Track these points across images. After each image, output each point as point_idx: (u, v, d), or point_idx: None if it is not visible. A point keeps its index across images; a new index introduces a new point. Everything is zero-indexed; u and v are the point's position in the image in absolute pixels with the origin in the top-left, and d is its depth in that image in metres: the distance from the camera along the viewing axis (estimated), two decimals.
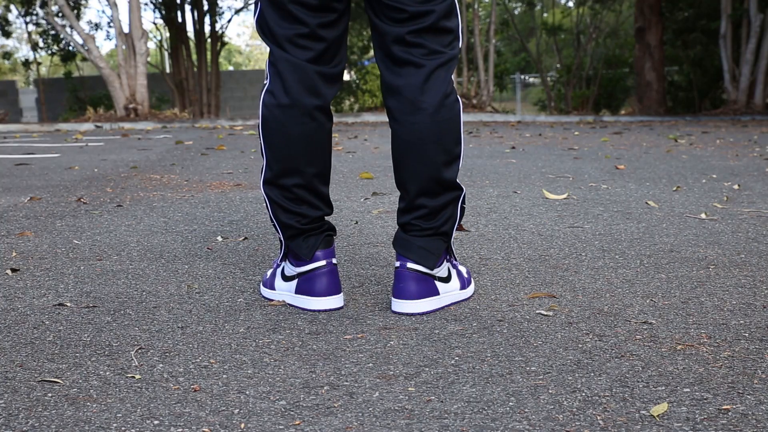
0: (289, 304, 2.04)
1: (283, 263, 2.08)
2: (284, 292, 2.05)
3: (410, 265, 1.93)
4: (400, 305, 1.94)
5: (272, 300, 2.08)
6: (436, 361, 1.61)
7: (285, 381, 1.52)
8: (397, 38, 1.86)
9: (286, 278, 2.05)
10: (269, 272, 2.15)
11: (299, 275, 2.00)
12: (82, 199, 3.99)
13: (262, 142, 1.94)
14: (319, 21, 1.86)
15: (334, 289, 1.98)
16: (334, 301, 1.98)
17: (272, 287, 2.09)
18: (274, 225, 2.03)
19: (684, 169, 5.20)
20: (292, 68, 1.87)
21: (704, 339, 1.72)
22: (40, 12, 19.16)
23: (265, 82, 1.94)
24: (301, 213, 1.95)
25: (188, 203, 3.86)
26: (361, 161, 6.08)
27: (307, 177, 1.93)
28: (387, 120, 12.46)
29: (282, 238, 2.03)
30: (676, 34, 17.79)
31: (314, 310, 1.97)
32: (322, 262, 1.97)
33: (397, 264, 1.95)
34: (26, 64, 22.28)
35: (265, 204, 2.02)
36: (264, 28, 1.91)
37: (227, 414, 1.37)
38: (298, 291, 2.00)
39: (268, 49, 1.95)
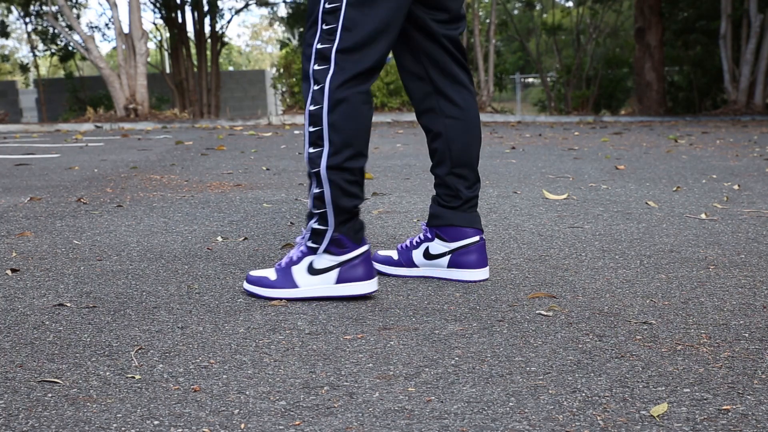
0: (323, 297, 2.05)
1: (310, 258, 2.07)
2: (318, 285, 2.06)
3: (483, 236, 2.29)
4: (485, 272, 2.27)
5: (277, 299, 2.07)
6: (436, 362, 1.61)
7: (285, 381, 1.52)
8: (452, 39, 2.19)
9: (318, 271, 2.05)
10: (272, 274, 2.11)
11: (343, 263, 2.04)
12: (82, 200, 3.99)
13: (328, 126, 1.98)
14: None
15: (373, 272, 2.09)
16: (376, 283, 2.10)
17: (293, 285, 2.07)
18: (322, 215, 2.03)
19: (684, 169, 5.20)
20: None
21: (704, 339, 1.72)
22: (41, 12, 19.16)
23: (326, 66, 1.98)
24: (358, 195, 2.04)
25: (188, 203, 3.86)
26: None
27: (365, 159, 2.05)
28: (386, 120, 12.31)
29: (331, 225, 2.04)
30: (676, 34, 17.79)
31: (362, 294, 2.06)
32: (367, 246, 2.09)
33: (476, 238, 2.25)
34: (24, 67, 22.27)
35: (320, 191, 2.02)
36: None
37: (227, 414, 1.37)
38: (342, 279, 2.04)
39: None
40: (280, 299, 2.07)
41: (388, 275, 2.34)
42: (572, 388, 1.46)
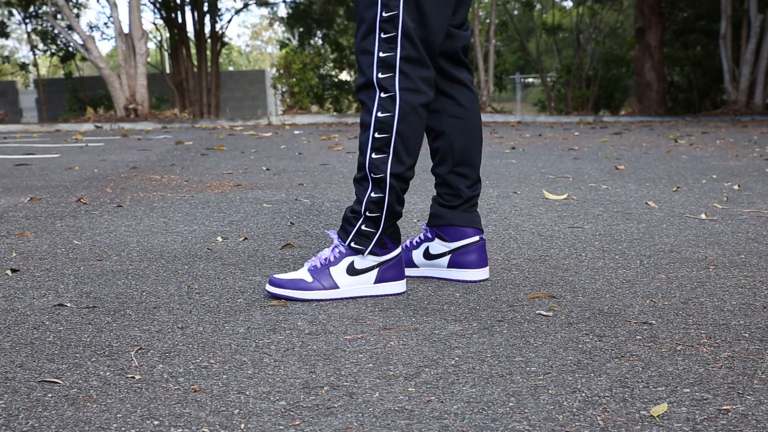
0: (365, 296, 2.10)
1: (351, 258, 2.11)
2: (358, 285, 2.10)
3: (483, 236, 2.31)
4: (485, 272, 2.28)
5: (314, 301, 2.08)
6: (436, 362, 1.61)
7: (285, 381, 1.52)
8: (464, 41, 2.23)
9: (359, 271, 2.10)
10: (306, 276, 2.10)
11: (382, 263, 2.11)
12: (82, 200, 3.99)
13: (396, 135, 2.04)
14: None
15: (404, 272, 2.20)
16: (405, 283, 2.19)
17: (334, 286, 2.09)
18: (374, 218, 2.08)
19: (684, 169, 5.20)
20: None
21: (704, 339, 1.72)
22: (39, 12, 19.15)
23: (391, 74, 2.02)
24: (404, 202, 2.14)
25: (188, 203, 3.86)
26: None
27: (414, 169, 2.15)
28: None
29: (381, 228, 2.10)
30: (676, 34, 17.79)
31: (397, 294, 2.14)
32: (401, 247, 2.21)
33: (476, 238, 2.27)
34: (23, 66, 22.27)
35: (380, 196, 2.07)
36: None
37: (227, 414, 1.37)
38: (380, 279, 2.11)
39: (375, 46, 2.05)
40: (320, 300, 2.08)
41: None
42: (572, 388, 1.46)
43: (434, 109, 2.25)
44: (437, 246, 2.29)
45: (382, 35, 2.02)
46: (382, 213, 2.08)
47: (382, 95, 2.03)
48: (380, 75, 2.03)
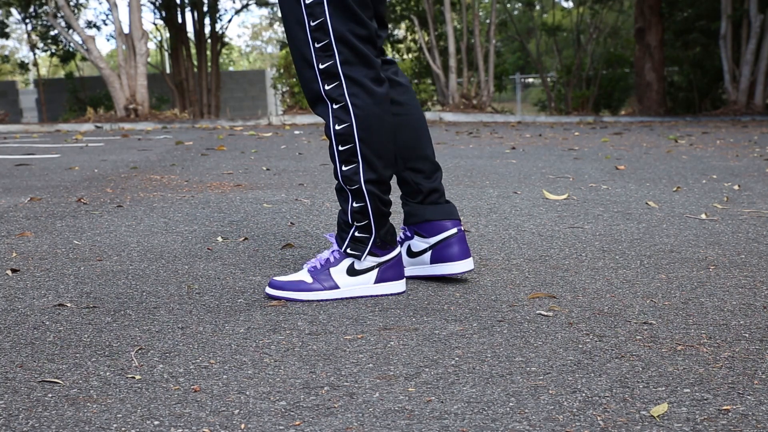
0: (365, 296, 2.10)
1: (349, 261, 2.10)
2: (359, 285, 2.10)
3: (462, 227, 2.26)
4: (469, 263, 2.24)
5: (314, 301, 2.08)
6: (436, 362, 1.61)
7: (285, 381, 1.52)
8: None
9: (359, 272, 2.10)
10: (306, 277, 2.10)
11: (382, 263, 2.11)
12: (82, 200, 3.99)
13: (359, 141, 2.01)
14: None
15: (404, 272, 2.18)
16: (405, 283, 2.17)
17: (334, 287, 2.09)
18: (364, 225, 2.08)
19: (684, 169, 5.20)
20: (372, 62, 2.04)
21: (704, 339, 1.72)
22: (38, 13, 19.15)
23: (337, 83, 1.99)
24: (390, 201, 2.12)
25: (188, 204, 3.86)
26: None
27: (394, 167, 2.14)
28: None
29: (374, 232, 2.09)
30: (676, 34, 17.78)
31: (396, 293, 2.13)
32: (399, 248, 2.20)
33: (454, 230, 2.22)
34: (23, 66, 22.26)
35: (361, 205, 2.06)
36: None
37: (227, 414, 1.37)
38: (380, 279, 2.11)
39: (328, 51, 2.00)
40: (321, 301, 2.08)
41: None
42: (572, 388, 1.46)
43: None
44: (417, 243, 2.27)
45: (316, 45, 1.98)
46: (370, 219, 2.07)
47: (335, 107, 2.00)
48: (326, 87, 2.00)
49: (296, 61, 2.04)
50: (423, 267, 2.27)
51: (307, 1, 1.96)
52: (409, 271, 2.29)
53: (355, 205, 2.06)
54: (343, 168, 2.03)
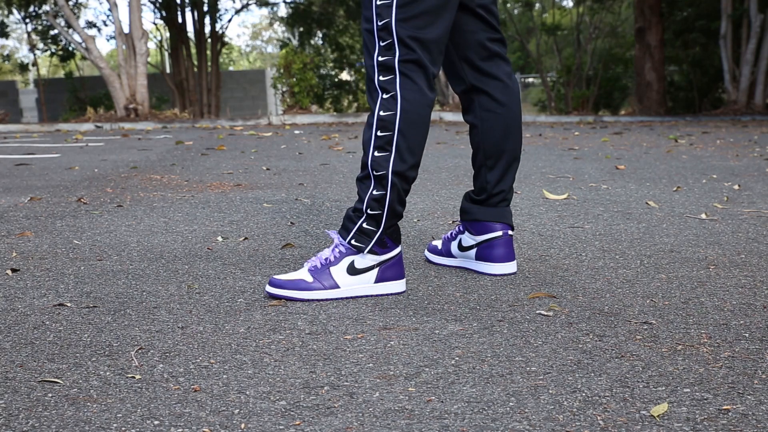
0: (365, 295, 2.11)
1: (351, 258, 2.12)
2: (359, 285, 2.12)
3: (510, 232, 2.35)
4: (511, 266, 2.33)
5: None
6: (436, 361, 1.61)
7: (285, 381, 1.52)
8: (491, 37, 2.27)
9: (360, 270, 2.12)
10: (306, 276, 2.10)
11: (382, 263, 2.13)
12: (82, 200, 3.99)
13: (398, 132, 2.06)
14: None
15: (404, 271, 2.21)
16: (405, 283, 2.20)
17: (334, 286, 2.10)
18: (376, 216, 2.10)
19: (684, 169, 5.20)
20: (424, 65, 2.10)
21: (704, 339, 1.72)
22: (38, 12, 19.15)
23: (392, 77, 2.06)
24: (405, 204, 2.16)
25: (188, 203, 3.86)
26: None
27: (417, 172, 2.17)
28: None
29: (382, 227, 2.11)
30: (676, 34, 17.77)
31: (396, 293, 2.15)
32: (401, 247, 2.22)
33: (499, 233, 2.32)
34: (23, 66, 22.26)
35: (382, 194, 2.09)
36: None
37: (227, 414, 1.37)
38: (380, 279, 2.13)
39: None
40: (321, 300, 2.08)
41: (433, 263, 2.51)
42: (572, 388, 1.46)
43: (470, 102, 2.32)
44: (467, 239, 2.39)
45: (381, 43, 2.07)
46: (384, 211, 2.09)
47: (384, 96, 2.08)
48: (381, 78, 2.08)
49: (364, 44, 2.14)
50: (470, 261, 2.39)
51: (378, 2, 2.06)
52: (458, 263, 2.43)
53: (375, 192, 2.09)
54: (376, 154, 2.08)
